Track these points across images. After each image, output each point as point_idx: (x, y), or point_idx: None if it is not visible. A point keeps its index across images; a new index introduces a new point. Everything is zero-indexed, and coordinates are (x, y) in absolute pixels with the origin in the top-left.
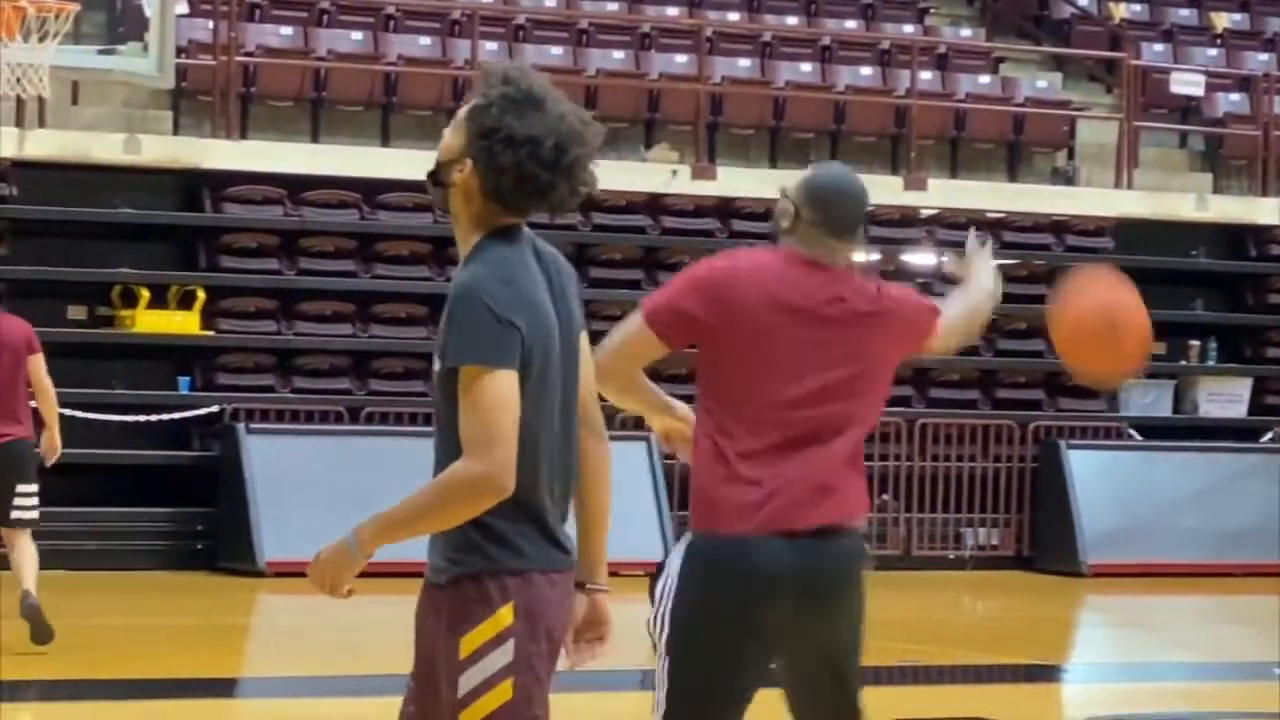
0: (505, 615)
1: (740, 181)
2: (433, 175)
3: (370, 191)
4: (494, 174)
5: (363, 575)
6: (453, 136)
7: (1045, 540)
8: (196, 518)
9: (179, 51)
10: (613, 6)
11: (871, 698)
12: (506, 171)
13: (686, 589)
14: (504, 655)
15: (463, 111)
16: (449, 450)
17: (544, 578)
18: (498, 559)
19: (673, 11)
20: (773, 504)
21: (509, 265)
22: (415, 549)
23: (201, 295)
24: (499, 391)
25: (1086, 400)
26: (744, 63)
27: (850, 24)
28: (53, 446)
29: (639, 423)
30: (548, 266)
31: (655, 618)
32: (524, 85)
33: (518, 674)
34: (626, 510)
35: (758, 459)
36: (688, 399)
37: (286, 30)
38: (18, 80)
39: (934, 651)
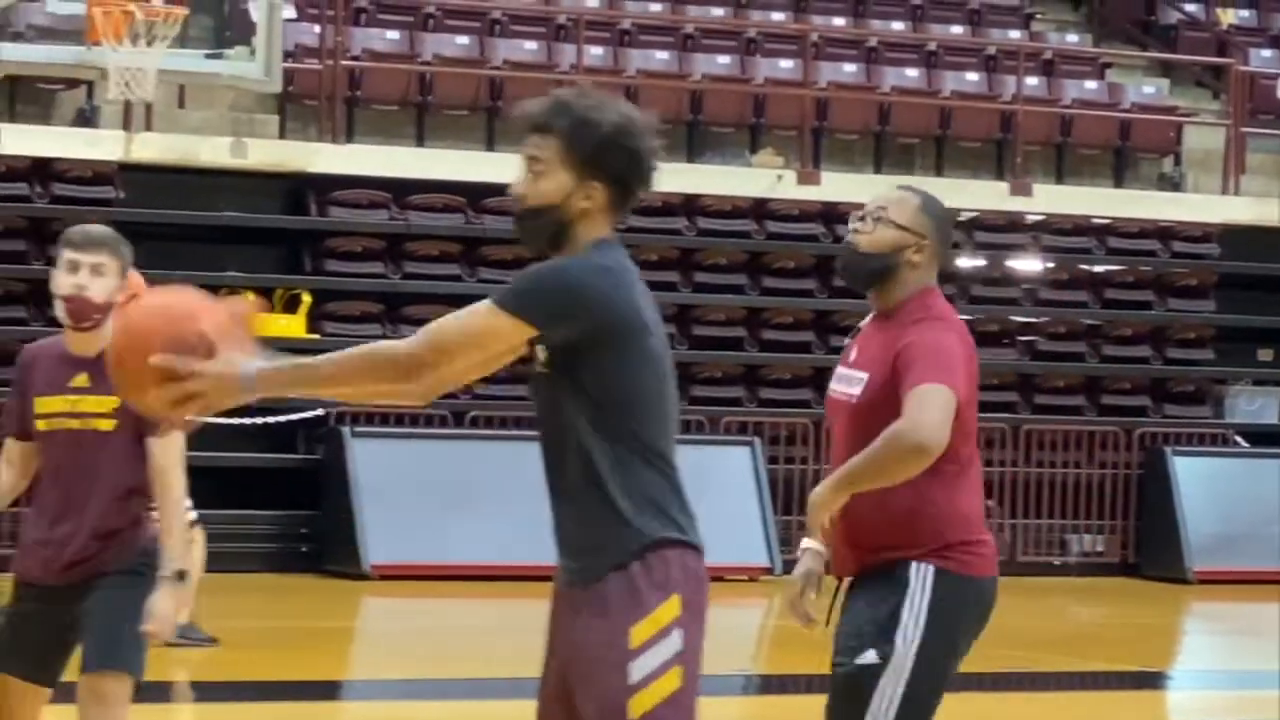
0: (673, 606)
1: (845, 187)
2: (551, 217)
3: (475, 196)
4: (629, 169)
5: (465, 579)
6: (553, 178)
7: (1150, 547)
8: (301, 520)
9: (285, 55)
10: (718, 11)
11: (975, 704)
12: (634, 158)
13: None
14: (673, 644)
15: (555, 152)
16: (577, 416)
17: (695, 555)
18: (665, 534)
19: (778, 16)
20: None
21: (620, 262)
22: (522, 554)
23: (307, 299)
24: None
25: (1192, 406)
26: (849, 68)
27: (956, 29)
28: None
29: (743, 428)
30: None
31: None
32: (579, 97)
33: (685, 663)
34: (731, 516)
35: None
36: None
37: (392, 34)
38: (126, 84)
39: (1038, 658)
